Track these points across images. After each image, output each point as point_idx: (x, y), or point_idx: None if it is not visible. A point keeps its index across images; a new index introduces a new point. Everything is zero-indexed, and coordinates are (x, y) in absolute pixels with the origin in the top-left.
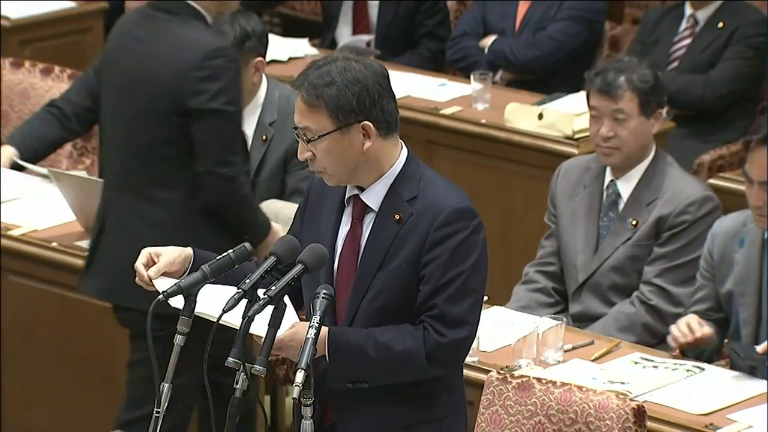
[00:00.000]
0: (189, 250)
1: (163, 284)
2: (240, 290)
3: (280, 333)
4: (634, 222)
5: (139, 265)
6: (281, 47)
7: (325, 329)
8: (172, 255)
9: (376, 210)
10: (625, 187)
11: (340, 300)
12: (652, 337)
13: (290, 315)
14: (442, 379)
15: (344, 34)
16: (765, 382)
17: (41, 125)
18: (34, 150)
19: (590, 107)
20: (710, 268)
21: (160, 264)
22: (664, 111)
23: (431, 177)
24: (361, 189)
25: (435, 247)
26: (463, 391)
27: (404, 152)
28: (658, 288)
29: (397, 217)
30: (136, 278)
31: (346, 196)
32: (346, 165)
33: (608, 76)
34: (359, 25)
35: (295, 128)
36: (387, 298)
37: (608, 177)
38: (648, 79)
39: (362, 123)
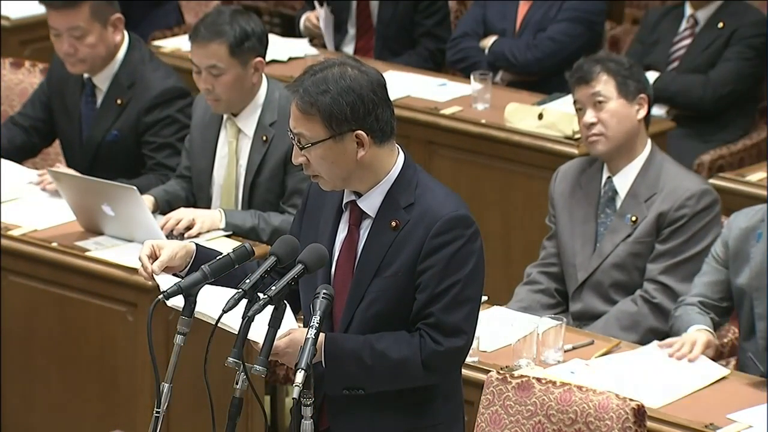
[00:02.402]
0: (191, 246)
1: (163, 280)
2: (240, 290)
3: (277, 340)
4: (633, 218)
5: (143, 256)
6: (281, 47)
7: (321, 335)
8: (174, 249)
9: (373, 216)
10: (622, 183)
11: (337, 306)
12: (654, 336)
13: (287, 320)
14: (438, 386)
15: (349, 35)
16: (718, 367)
17: (8, 132)
18: (7, 152)
19: (574, 103)
20: (725, 255)
21: (162, 257)
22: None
23: (428, 183)
24: (359, 195)
25: (431, 255)
26: (460, 398)
27: (401, 158)
28: (663, 286)
29: (393, 224)
30: (139, 269)
31: (344, 202)
32: (340, 172)
33: (584, 66)
34: (363, 25)
35: (290, 132)
36: (383, 304)
37: (605, 174)
38: (622, 62)
39: (356, 132)
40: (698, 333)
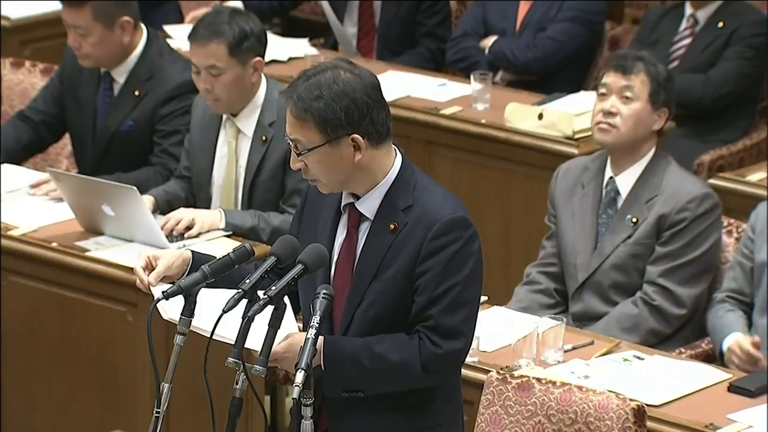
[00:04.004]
0: (187, 253)
1: (159, 291)
2: (240, 290)
3: (276, 345)
4: (634, 219)
5: (138, 268)
6: (281, 47)
7: (320, 338)
8: (170, 258)
9: (371, 219)
10: (624, 184)
11: (336, 308)
12: (654, 337)
13: (287, 323)
14: (437, 388)
15: (349, 35)
16: (717, 370)
17: (15, 130)
18: (12, 152)
19: (600, 86)
20: (750, 243)
21: (159, 268)
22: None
23: (426, 184)
24: (357, 196)
25: (429, 258)
26: (459, 399)
27: (398, 159)
28: (662, 288)
29: (392, 226)
30: (136, 281)
31: (342, 204)
32: (338, 175)
33: (627, 57)
34: (365, 25)
35: (287, 138)
36: (382, 307)
37: (607, 174)
38: (663, 73)
39: (351, 136)
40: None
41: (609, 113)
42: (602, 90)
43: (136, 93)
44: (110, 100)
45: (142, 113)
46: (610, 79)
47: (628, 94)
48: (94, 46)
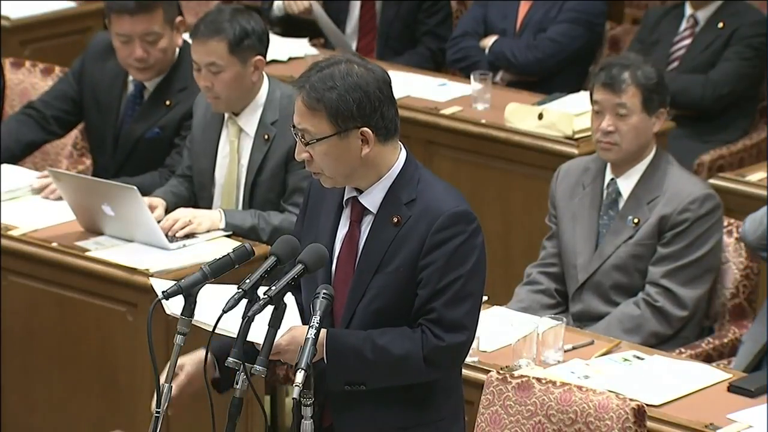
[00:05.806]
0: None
1: (158, 284)
2: (240, 290)
3: (278, 337)
4: (635, 220)
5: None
6: (281, 47)
7: (323, 331)
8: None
9: (374, 212)
10: (626, 185)
11: (338, 302)
12: (656, 339)
13: (289, 317)
14: (439, 382)
15: (346, 36)
16: (717, 370)
17: (18, 126)
18: (11, 151)
19: (593, 102)
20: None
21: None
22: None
23: (429, 179)
24: (359, 191)
25: (433, 251)
26: (460, 393)
27: (403, 154)
28: (665, 289)
29: (395, 219)
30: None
31: (345, 198)
32: (343, 168)
33: (613, 70)
34: (366, 25)
35: (294, 128)
36: (384, 300)
37: (608, 176)
38: (652, 76)
39: (361, 129)
40: None
41: (608, 132)
42: (595, 107)
43: (167, 103)
44: (138, 107)
45: (169, 121)
46: (601, 96)
47: (621, 111)
48: (164, 51)
